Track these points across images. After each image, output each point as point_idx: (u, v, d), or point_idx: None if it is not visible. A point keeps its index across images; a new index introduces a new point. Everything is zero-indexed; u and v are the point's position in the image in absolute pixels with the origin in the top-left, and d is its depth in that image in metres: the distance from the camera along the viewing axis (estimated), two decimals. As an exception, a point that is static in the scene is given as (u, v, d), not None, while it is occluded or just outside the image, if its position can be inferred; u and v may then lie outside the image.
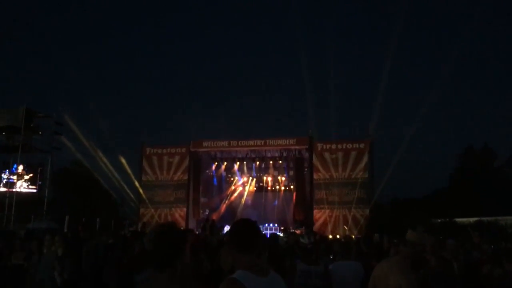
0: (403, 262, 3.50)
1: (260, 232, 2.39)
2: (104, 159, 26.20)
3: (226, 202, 29.56)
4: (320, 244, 6.39)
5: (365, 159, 23.69)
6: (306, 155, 25.46)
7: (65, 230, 14.45)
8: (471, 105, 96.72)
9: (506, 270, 4.74)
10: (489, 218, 22.97)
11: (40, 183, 24.44)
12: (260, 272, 2.18)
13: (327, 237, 14.58)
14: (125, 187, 26.66)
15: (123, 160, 26.37)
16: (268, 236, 8.23)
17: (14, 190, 23.28)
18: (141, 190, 26.01)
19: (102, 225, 16.73)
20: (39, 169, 24.49)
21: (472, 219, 23.27)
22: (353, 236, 16.19)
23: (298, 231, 16.69)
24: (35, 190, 24.13)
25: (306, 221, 24.21)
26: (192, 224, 24.31)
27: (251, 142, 25.84)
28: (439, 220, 24.27)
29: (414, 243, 3.53)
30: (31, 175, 24.32)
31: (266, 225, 25.52)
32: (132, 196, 26.76)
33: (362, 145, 23.94)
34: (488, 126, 75.48)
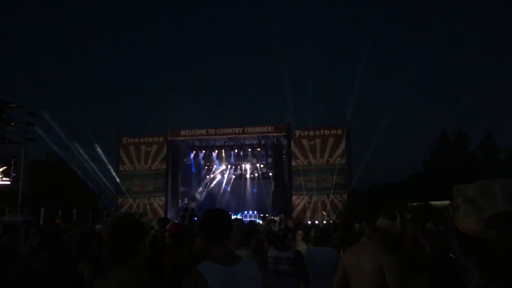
0: (379, 245, 3.42)
1: (230, 222, 2.37)
2: (80, 150, 25.82)
3: (205, 190, 29.53)
4: (297, 230, 6.43)
5: (343, 145, 23.91)
6: (284, 142, 25.55)
7: (41, 223, 14.20)
8: (445, 92, 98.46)
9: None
10: (462, 201, 23.56)
11: (14, 175, 23.89)
12: (226, 262, 2.17)
13: (305, 223, 14.68)
14: (103, 177, 26.37)
15: (99, 150, 26.03)
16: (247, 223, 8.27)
17: (-13, 182, 22.74)
18: (118, 180, 25.75)
19: (79, 216, 16.50)
20: (12, 160, 23.89)
21: (446, 202, 23.83)
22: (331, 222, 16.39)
23: (277, 218, 16.78)
24: (9, 183, 23.56)
25: (285, 207, 24.40)
26: (171, 213, 24.22)
27: (229, 130, 25.78)
28: (414, 204, 24.78)
29: (385, 230, 3.47)
30: (4, 167, 23.76)
31: (246, 212, 25.65)
32: (110, 186, 26.48)
33: (339, 131, 24.15)
34: (462, 111, 77.05)
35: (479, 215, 0.96)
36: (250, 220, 12.56)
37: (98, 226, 6.63)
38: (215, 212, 2.45)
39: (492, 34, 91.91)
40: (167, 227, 5.33)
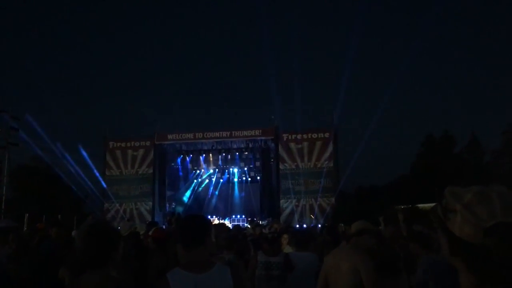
0: (357, 248, 3.54)
1: (205, 227, 2.33)
2: (66, 154, 25.50)
3: (193, 194, 29.35)
4: (283, 234, 6.38)
5: (330, 148, 23.97)
6: (272, 145, 25.53)
7: (25, 229, 13.95)
8: (431, 94, 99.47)
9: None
10: (449, 203, 23.78)
11: (-3, 180, 23.52)
12: (197, 269, 2.15)
13: (292, 227, 14.66)
14: (88, 182, 26.07)
15: (85, 155, 25.73)
16: (232, 228, 8.22)
17: (-31, 188, 22.37)
18: (105, 185, 25.47)
19: (64, 221, 16.23)
20: (-4, 166, 23.56)
21: (433, 204, 24.01)
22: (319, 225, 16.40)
23: (264, 223, 16.72)
24: (-8, 188, 23.21)
25: (273, 211, 24.35)
26: (158, 218, 24.00)
27: (217, 134, 25.69)
28: (402, 207, 24.91)
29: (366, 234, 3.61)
30: (-13, 172, 23.39)
31: (234, 216, 25.52)
32: (96, 191, 26.18)
33: (326, 135, 24.20)
34: (447, 114, 77.89)
35: (478, 224, 0.97)
36: (235, 225, 12.51)
37: (73, 232, 6.52)
38: (190, 217, 2.45)
39: (477, 37, 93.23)
40: (150, 232, 5.24)
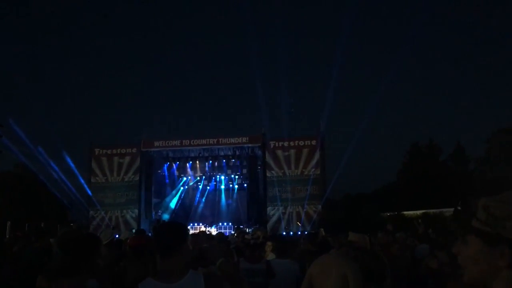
0: (345, 255, 3.54)
1: (181, 235, 2.29)
2: (50, 161, 25.19)
3: (179, 202, 29.16)
4: (266, 241, 6.39)
5: (317, 156, 24.05)
6: (259, 153, 25.54)
7: (7, 236, 13.74)
8: (416, 103, 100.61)
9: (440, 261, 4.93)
10: (434, 210, 23.96)
11: (-20, 187, 23.17)
12: (169, 278, 2.12)
13: (279, 234, 14.69)
14: (73, 189, 25.78)
15: (70, 162, 25.44)
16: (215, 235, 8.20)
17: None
18: (90, 193, 25.20)
19: (47, 229, 16.03)
20: (-21, 172, 23.21)
21: (418, 212, 24.19)
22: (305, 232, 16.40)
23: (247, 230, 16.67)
24: (-25, 195, 22.85)
25: (260, 219, 24.31)
26: (144, 225, 23.78)
27: (204, 141, 25.63)
28: (388, 214, 25.06)
29: (355, 243, 3.63)
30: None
31: (220, 224, 25.40)
32: (81, 198, 25.89)
33: (313, 142, 24.29)
34: (432, 123, 78.77)
35: None
36: (218, 232, 12.51)
37: (52, 240, 6.46)
38: (165, 225, 2.44)
39: (462, 46, 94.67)
40: (128, 240, 5.18)
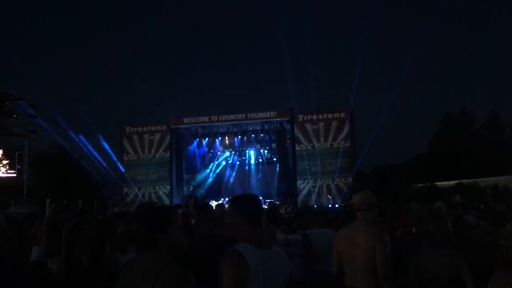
0: (369, 223, 3.52)
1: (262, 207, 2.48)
2: (84, 140, 25.83)
3: (210, 177, 29.53)
4: (303, 214, 6.49)
5: (346, 128, 23.78)
6: (288, 127, 25.41)
7: (46, 214, 14.25)
8: (448, 71, 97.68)
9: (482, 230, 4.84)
10: (468, 181, 23.46)
11: (19, 167, 23.98)
12: (260, 245, 2.26)
13: (311, 206, 14.72)
14: (107, 167, 26.44)
15: (103, 140, 26.04)
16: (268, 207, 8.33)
17: (-8, 175, 22.85)
18: (123, 170, 25.79)
19: (84, 206, 16.54)
20: (16, 153, 23.98)
21: (452, 182, 23.75)
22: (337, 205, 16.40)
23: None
24: (14, 175, 23.67)
25: (290, 192, 24.40)
26: (176, 201, 24.23)
27: (232, 117, 25.63)
28: (420, 185, 24.71)
29: (361, 205, 3.58)
30: (9, 160, 23.84)
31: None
32: (115, 176, 26.55)
33: (342, 115, 23.99)
34: (466, 90, 76.47)
35: None
36: (273, 205, 12.57)
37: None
38: (253, 197, 2.55)
39: (496, 11, 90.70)
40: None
